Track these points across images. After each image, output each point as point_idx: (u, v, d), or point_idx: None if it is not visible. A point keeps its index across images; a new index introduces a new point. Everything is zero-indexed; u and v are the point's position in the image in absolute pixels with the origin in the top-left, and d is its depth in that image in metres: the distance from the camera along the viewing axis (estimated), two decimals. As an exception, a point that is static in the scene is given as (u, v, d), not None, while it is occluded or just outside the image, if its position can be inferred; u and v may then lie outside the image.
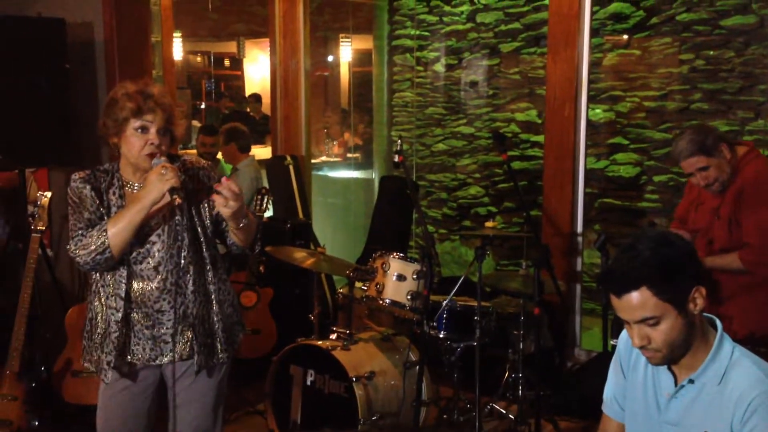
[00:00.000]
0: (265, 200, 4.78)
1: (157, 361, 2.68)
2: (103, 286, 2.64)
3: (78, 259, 2.55)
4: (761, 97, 5.40)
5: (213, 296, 2.70)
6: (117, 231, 2.50)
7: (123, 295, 2.60)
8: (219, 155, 6.15)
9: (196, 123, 9.75)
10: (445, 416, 4.04)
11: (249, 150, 5.71)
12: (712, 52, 5.63)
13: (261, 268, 4.80)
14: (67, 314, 4.07)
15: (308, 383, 3.74)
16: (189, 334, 2.65)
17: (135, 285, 2.61)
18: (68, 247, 2.59)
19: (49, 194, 4.16)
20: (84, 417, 4.04)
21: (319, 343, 3.72)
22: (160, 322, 2.64)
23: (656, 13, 5.89)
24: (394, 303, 3.76)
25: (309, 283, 4.45)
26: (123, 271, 2.59)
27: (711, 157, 3.32)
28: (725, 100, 5.58)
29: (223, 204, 2.46)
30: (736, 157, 3.37)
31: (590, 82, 4.90)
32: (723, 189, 3.38)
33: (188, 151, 8.24)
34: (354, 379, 3.53)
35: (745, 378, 1.96)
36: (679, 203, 3.82)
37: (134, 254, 2.59)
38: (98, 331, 2.66)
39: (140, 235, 2.58)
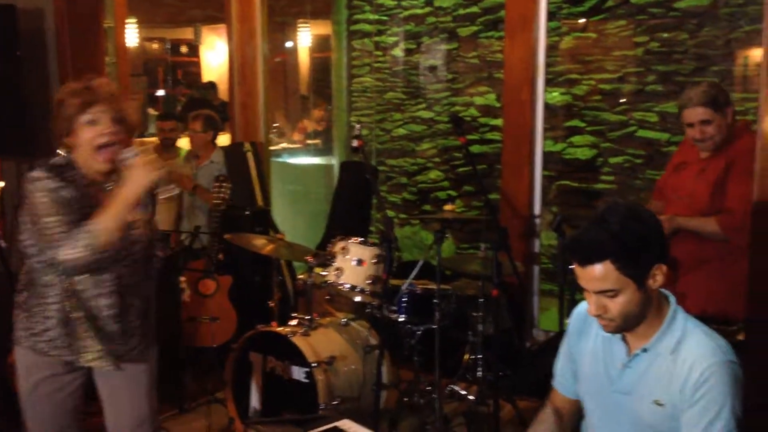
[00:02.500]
0: (224, 187, 4.74)
1: (91, 362, 2.66)
2: (45, 280, 2.60)
3: (74, 262, 2.45)
4: (715, 79, 5.47)
5: (149, 292, 2.73)
6: (109, 230, 2.46)
7: (59, 291, 2.58)
8: (179, 142, 6.09)
9: (152, 111, 9.62)
10: (405, 399, 4.05)
11: (216, 140, 5.67)
12: (666, 34, 5.69)
13: (220, 255, 4.76)
14: (21, 306, 4.00)
15: (268, 370, 3.74)
16: (127, 333, 2.66)
17: (80, 286, 2.58)
18: (51, 253, 2.47)
19: (1, 184, 4.09)
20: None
21: (279, 329, 3.72)
22: (103, 322, 2.62)
23: (612, -4, 5.95)
24: (353, 288, 3.76)
25: (269, 270, 4.43)
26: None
27: (717, 113, 3.34)
28: (679, 82, 5.65)
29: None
30: (734, 125, 3.40)
31: (547, 65, 4.93)
32: (713, 149, 3.40)
33: (146, 139, 8.14)
34: (314, 364, 3.54)
35: (697, 348, 2.01)
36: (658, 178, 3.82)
37: None
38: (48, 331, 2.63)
39: None
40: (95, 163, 2.54)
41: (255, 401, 3.77)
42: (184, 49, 11.48)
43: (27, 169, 2.63)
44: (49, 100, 4.75)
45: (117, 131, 2.54)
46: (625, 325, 2.05)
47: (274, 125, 8.63)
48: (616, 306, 2.01)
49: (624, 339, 2.14)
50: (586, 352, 2.24)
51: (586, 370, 2.24)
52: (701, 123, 3.37)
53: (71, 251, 2.44)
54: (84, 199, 2.55)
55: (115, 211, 2.47)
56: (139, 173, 2.46)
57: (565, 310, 3.69)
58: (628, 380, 2.11)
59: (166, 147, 6.06)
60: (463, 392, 4.07)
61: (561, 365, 2.36)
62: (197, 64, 11.42)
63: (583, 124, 6.12)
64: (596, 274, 1.98)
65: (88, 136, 2.51)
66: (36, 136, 4.62)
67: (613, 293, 1.99)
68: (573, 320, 2.32)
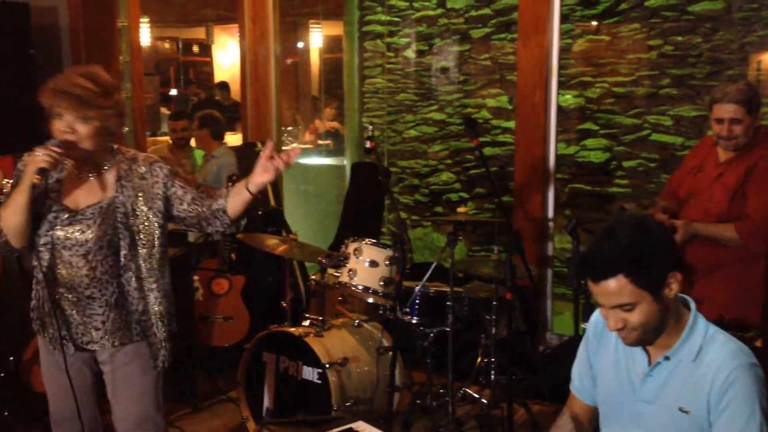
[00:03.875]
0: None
1: (88, 347, 2.69)
2: (33, 267, 2.68)
3: None
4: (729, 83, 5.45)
5: (155, 291, 2.70)
6: (7, 214, 2.55)
7: (41, 277, 2.62)
8: (192, 141, 6.10)
9: (165, 110, 9.64)
10: (418, 401, 4.05)
11: (222, 138, 5.67)
12: (680, 38, 5.67)
13: (232, 255, 4.76)
14: (35, 304, 4.01)
15: (281, 370, 3.73)
16: (120, 323, 2.67)
17: (63, 270, 2.61)
18: None
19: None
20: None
21: (292, 330, 3.71)
22: (91, 308, 2.64)
23: (625, -1, 5.93)
24: (366, 289, 3.76)
25: (281, 270, 4.43)
26: (45, 254, 2.60)
27: (748, 115, 3.33)
28: (693, 86, 5.63)
29: (271, 174, 2.57)
30: (759, 131, 3.38)
31: (560, 67, 4.92)
32: (735, 149, 3.38)
33: (159, 138, 8.15)
34: (327, 365, 3.53)
35: (720, 353, 2.00)
36: (671, 176, 3.79)
37: (63, 239, 2.59)
38: (34, 310, 2.74)
39: (72, 222, 2.59)
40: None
41: (268, 401, 3.77)
42: (196, 48, 11.51)
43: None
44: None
45: (83, 130, 2.54)
46: (645, 336, 2.04)
47: (289, 128, 8.63)
48: (634, 318, 1.99)
49: (645, 348, 2.12)
50: (606, 360, 2.22)
51: (606, 378, 2.22)
52: (731, 121, 3.34)
53: None
54: (54, 186, 2.63)
55: (12, 197, 2.54)
56: (31, 161, 2.50)
57: (581, 314, 3.66)
58: (651, 388, 2.10)
59: (179, 146, 6.08)
60: (476, 395, 4.06)
61: (579, 371, 2.34)
62: (209, 64, 11.44)
63: (596, 127, 6.11)
64: (611, 289, 1.97)
65: (55, 129, 2.57)
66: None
67: (629, 306, 1.98)
68: (591, 326, 2.30)
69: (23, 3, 4.42)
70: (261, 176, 2.61)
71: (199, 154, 6.12)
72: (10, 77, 4.30)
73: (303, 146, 8.85)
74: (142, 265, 2.67)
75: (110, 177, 2.67)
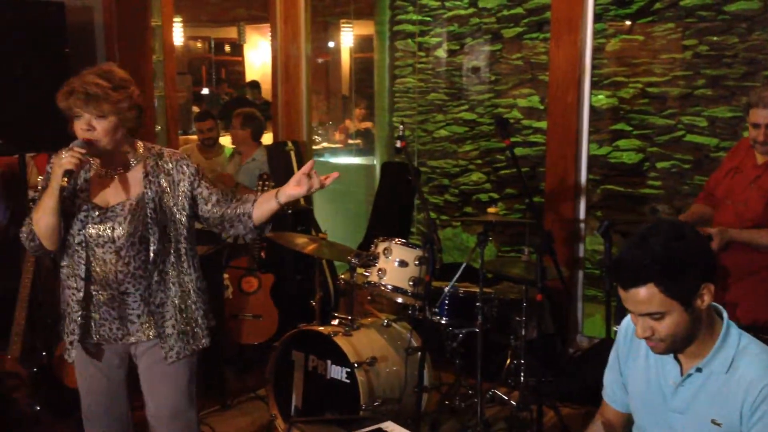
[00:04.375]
0: (266, 186, 4.76)
1: (123, 341, 2.73)
2: (63, 267, 2.72)
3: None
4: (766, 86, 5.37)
5: (187, 285, 2.75)
6: (38, 217, 2.59)
7: (83, 275, 2.65)
8: (226, 139, 6.13)
9: (196, 109, 9.72)
10: (446, 402, 4.04)
11: (260, 139, 5.70)
12: (715, 38, 5.59)
13: (262, 253, 4.79)
14: (68, 299, 4.06)
15: (310, 369, 3.74)
16: (156, 317, 2.70)
17: (97, 267, 2.65)
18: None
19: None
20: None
21: (321, 328, 3.72)
22: (125, 303, 2.68)
23: (659, -1, 5.86)
24: (395, 289, 3.75)
25: (310, 269, 4.44)
26: (82, 253, 2.64)
27: None
28: (728, 86, 5.55)
29: (303, 189, 2.61)
30: None
31: (593, 67, 4.87)
32: None
33: (190, 137, 8.21)
34: (356, 364, 3.53)
35: (754, 366, 1.95)
36: (710, 176, 3.74)
37: (95, 237, 2.63)
38: (65, 311, 2.76)
39: (103, 219, 2.63)
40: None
41: (296, 399, 3.77)
42: (227, 48, 11.58)
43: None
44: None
45: (100, 128, 2.58)
46: (675, 347, 2.00)
47: (319, 128, 8.65)
48: (663, 328, 1.95)
49: (676, 357, 2.08)
50: (637, 368, 2.18)
51: (637, 386, 2.19)
52: None
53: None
54: (83, 185, 2.67)
55: (42, 200, 2.59)
56: (57, 163, 2.54)
57: (612, 316, 3.63)
58: (683, 399, 2.06)
59: (208, 146, 6.11)
60: (505, 397, 4.04)
61: (610, 377, 2.30)
62: (241, 63, 11.51)
63: (629, 128, 6.04)
64: (640, 297, 1.93)
65: (77, 129, 2.62)
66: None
67: (659, 315, 1.93)
68: (622, 331, 2.26)
69: (59, 2, 4.47)
70: (293, 189, 2.65)
71: (229, 151, 6.15)
72: (45, 76, 4.34)
73: (333, 145, 8.88)
74: (173, 259, 2.71)
75: (137, 173, 2.70)
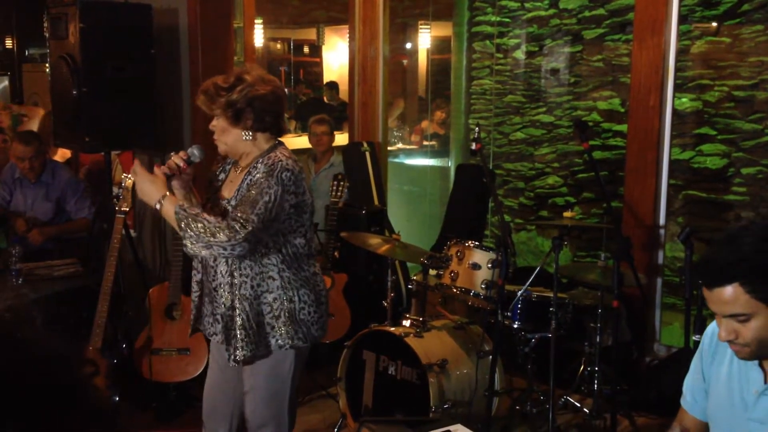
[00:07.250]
0: (341, 186, 4.80)
1: (212, 338, 2.81)
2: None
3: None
4: None
5: (261, 289, 2.71)
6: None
7: (200, 268, 2.77)
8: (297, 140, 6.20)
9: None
10: (517, 407, 3.99)
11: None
12: (807, 40, 5.38)
13: (336, 253, 4.83)
14: (148, 293, 4.18)
15: (380, 369, 3.75)
16: (226, 321, 2.69)
17: (203, 261, 2.76)
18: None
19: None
20: (163, 394, 4.15)
21: (393, 329, 3.73)
22: (215, 301, 2.73)
23: (748, 0, 5.66)
24: (468, 291, 3.73)
25: (383, 270, 4.45)
26: None
27: None
28: (820, 91, 5.33)
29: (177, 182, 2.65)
30: None
31: (677, 70, 4.74)
32: None
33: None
34: (426, 366, 3.52)
35: None
36: None
37: None
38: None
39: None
40: None
41: (366, 399, 3.79)
42: (306, 49, 11.72)
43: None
44: (179, 97, 4.96)
45: (218, 127, 2.66)
46: (760, 352, 1.92)
47: (396, 132, 8.66)
48: (748, 331, 1.87)
49: (761, 364, 2.00)
50: (720, 374, 2.11)
51: (718, 392, 2.12)
52: None
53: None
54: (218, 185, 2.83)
55: None
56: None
57: (692, 325, 3.52)
58: (764, 408, 1.98)
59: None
60: (578, 404, 3.97)
61: (691, 384, 2.23)
62: (319, 64, 11.63)
63: (714, 132, 5.86)
64: (724, 297, 1.86)
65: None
66: (168, 132, 4.81)
67: (744, 318, 1.86)
68: (707, 337, 2.19)
69: (146, 5, 4.61)
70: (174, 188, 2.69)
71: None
72: (133, 76, 4.49)
73: (408, 147, 8.87)
74: (254, 260, 2.70)
75: (243, 174, 2.73)
